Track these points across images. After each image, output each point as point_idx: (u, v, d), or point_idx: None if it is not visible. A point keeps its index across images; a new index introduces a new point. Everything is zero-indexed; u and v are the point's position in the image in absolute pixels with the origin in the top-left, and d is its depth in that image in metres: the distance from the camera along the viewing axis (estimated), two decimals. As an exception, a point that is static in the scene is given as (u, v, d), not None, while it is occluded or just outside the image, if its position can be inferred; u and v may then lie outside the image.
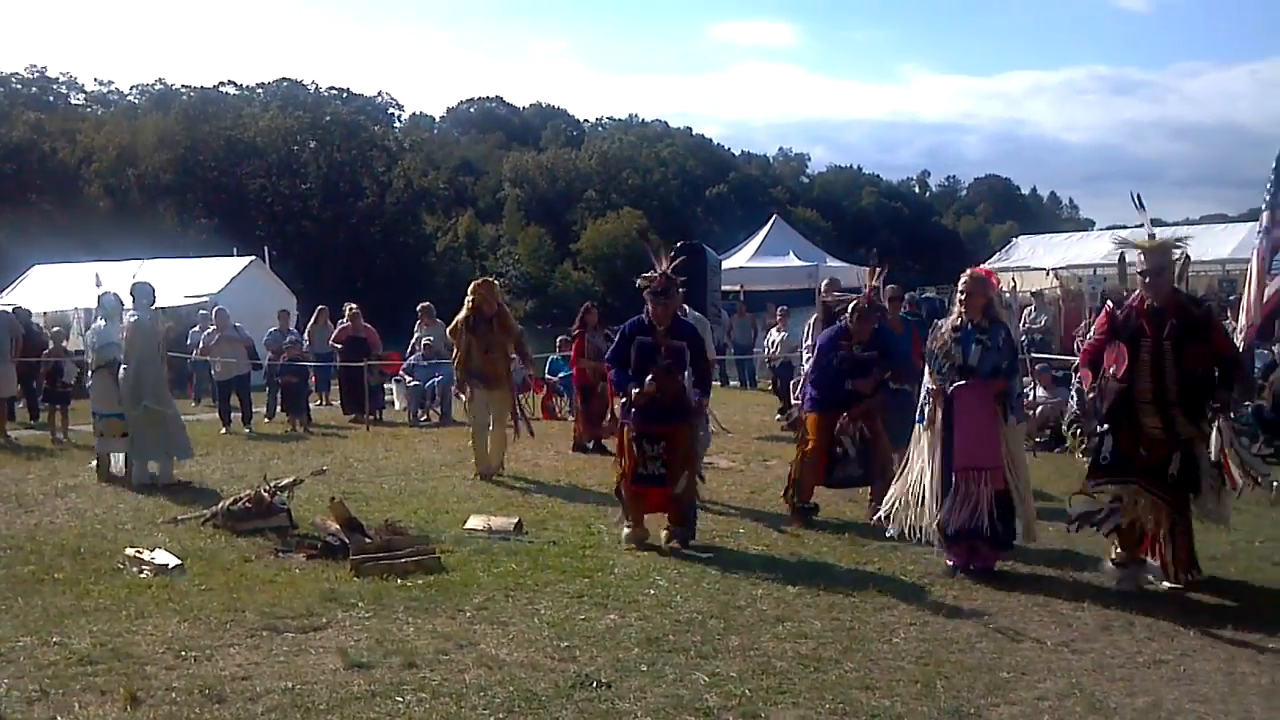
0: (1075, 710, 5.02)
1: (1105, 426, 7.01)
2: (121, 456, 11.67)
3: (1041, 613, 6.50)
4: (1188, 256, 7.43)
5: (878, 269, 9.88)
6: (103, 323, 11.92)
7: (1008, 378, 7.47)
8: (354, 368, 17.67)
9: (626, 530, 8.38)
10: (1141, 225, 7.46)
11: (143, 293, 11.60)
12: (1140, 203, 7.44)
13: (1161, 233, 7.28)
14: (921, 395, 7.67)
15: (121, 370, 11.40)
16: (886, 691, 5.24)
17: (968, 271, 7.72)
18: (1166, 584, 6.98)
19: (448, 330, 12.08)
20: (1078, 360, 7.47)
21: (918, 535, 7.43)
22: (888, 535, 7.71)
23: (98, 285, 12.34)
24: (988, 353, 7.36)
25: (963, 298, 7.51)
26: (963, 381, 7.34)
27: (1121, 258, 8.05)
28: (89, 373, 12.21)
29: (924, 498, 7.42)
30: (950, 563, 7.43)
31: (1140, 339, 6.86)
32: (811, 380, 9.47)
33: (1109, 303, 7.24)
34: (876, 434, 9.03)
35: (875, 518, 7.88)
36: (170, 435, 11.50)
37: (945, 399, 7.38)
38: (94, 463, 11.87)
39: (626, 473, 8.39)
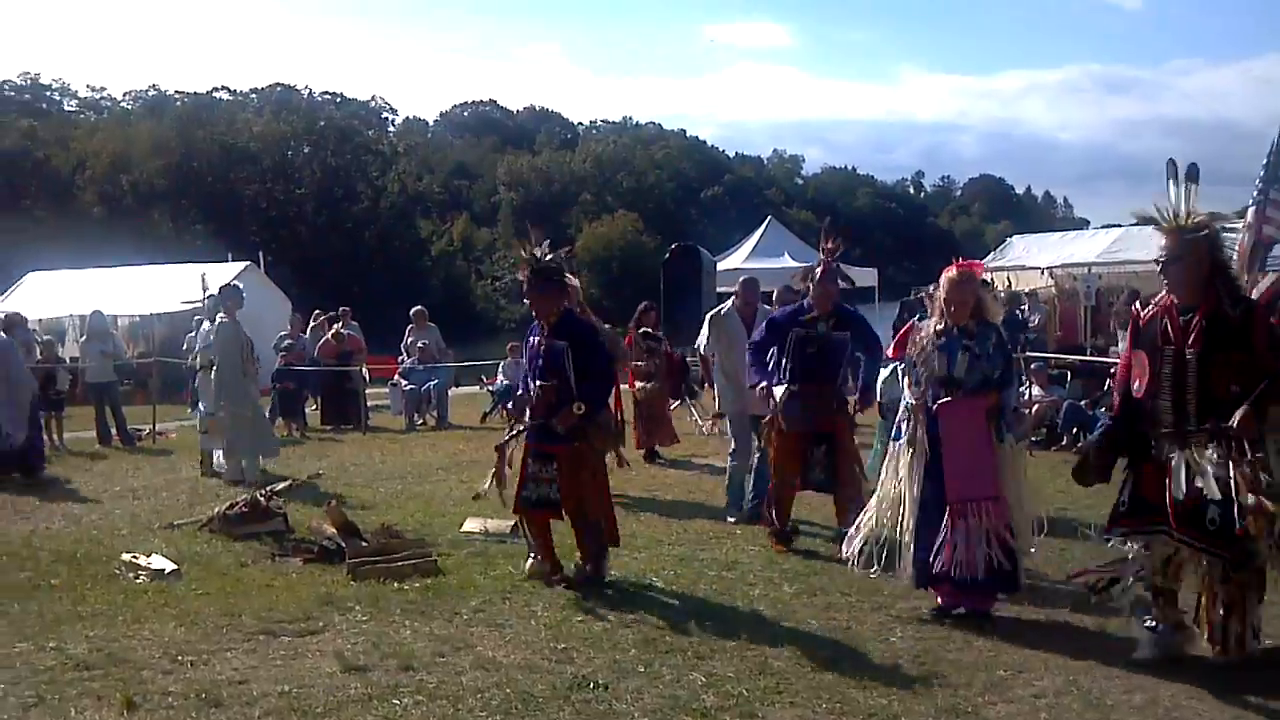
0: (1073, 707, 5.02)
1: (1125, 461, 5.73)
2: (219, 453, 12.05)
3: (1037, 611, 6.49)
4: (1215, 234, 5.67)
5: (833, 236, 8.43)
6: (208, 324, 12.31)
7: (1000, 389, 6.35)
8: (337, 377, 17.66)
9: (529, 562, 7.44)
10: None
11: (228, 295, 12.02)
12: (1175, 172, 5.65)
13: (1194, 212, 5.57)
14: (900, 410, 6.63)
15: (213, 371, 11.85)
16: (884, 691, 5.24)
17: (950, 271, 6.45)
18: (1214, 653, 5.57)
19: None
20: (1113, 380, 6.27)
21: (894, 571, 6.49)
22: (850, 566, 6.70)
23: (204, 289, 12.67)
24: (975, 361, 6.28)
25: (946, 305, 6.37)
26: (947, 397, 6.30)
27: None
28: (195, 373, 12.89)
29: (902, 530, 6.45)
30: (939, 602, 6.45)
31: (1164, 347, 5.47)
32: (754, 366, 8.23)
33: (1136, 304, 5.98)
34: (840, 437, 8.19)
35: (847, 552, 6.70)
36: (252, 434, 11.84)
37: (929, 417, 6.33)
38: (199, 459, 12.44)
39: (515, 492, 7.40)
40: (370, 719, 4.95)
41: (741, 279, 10.41)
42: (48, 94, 73.26)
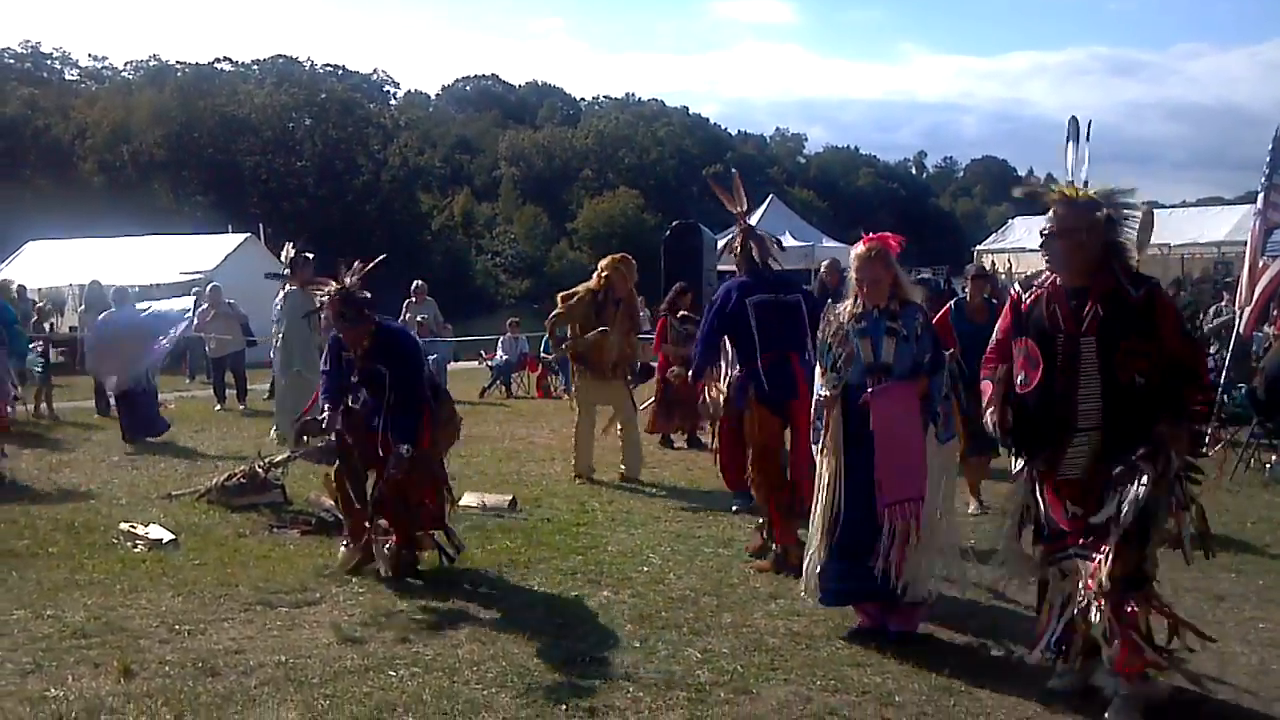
0: (1065, 687, 5.03)
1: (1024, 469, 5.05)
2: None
3: (1032, 592, 6.49)
4: (1148, 215, 5.21)
5: (729, 190, 7.89)
6: (281, 294, 12.59)
7: (930, 375, 5.64)
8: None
9: (343, 549, 7.13)
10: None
11: (299, 265, 12.17)
12: (1077, 132, 4.96)
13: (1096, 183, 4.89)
14: (813, 406, 5.90)
15: (279, 338, 12.17)
16: (878, 668, 5.26)
17: (858, 246, 5.75)
18: (1118, 687, 4.73)
19: (562, 296, 10.70)
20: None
21: (805, 585, 5.84)
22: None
23: (284, 259, 12.84)
24: (904, 344, 5.58)
25: (858, 284, 5.69)
26: (877, 385, 5.58)
27: (1147, 217, 5.28)
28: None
29: (817, 540, 5.73)
30: (861, 624, 5.81)
31: (1054, 335, 4.80)
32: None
33: (1015, 287, 5.39)
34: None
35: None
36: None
37: (851, 410, 5.66)
38: (273, 431, 12.40)
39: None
40: (366, 689, 4.97)
41: None
42: (48, 62, 72.90)
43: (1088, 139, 4.94)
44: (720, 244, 7.29)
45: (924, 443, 5.61)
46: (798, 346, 7.14)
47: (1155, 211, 5.12)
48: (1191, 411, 4.72)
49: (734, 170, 8.70)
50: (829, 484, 5.70)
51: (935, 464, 5.66)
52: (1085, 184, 4.84)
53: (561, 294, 10.80)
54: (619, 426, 10.63)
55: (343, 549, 7.16)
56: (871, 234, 5.82)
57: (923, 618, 5.78)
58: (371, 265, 6.98)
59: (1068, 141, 4.98)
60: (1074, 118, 5.01)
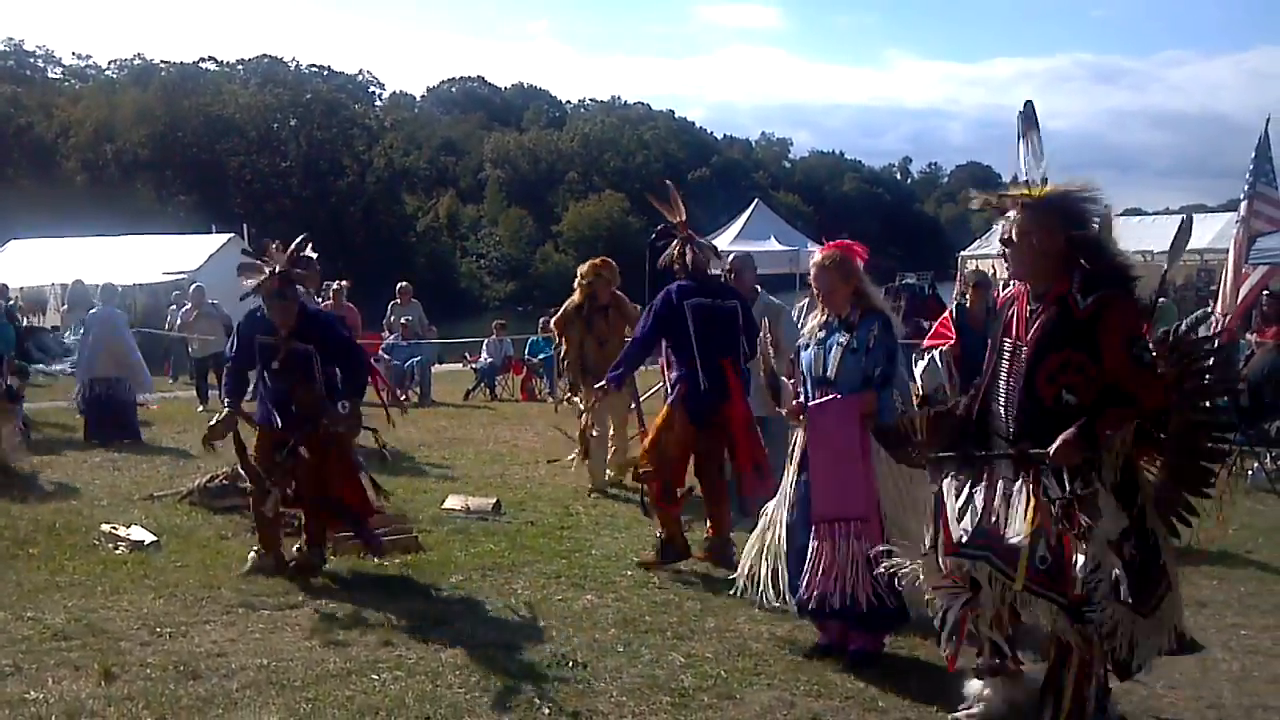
0: (1048, 694, 5.03)
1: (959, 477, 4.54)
2: None
3: (1016, 597, 6.50)
4: (1187, 222, 5.04)
5: (666, 201, 8.00)
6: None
7: (878, 390, 5.40)
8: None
9: (251, 555, 7.04)
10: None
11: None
12: (1032, 120, 4.57)
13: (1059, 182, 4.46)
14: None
15: None
16: (862, 674, 5.25)
17: (817, 256, 5.58)
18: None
19: (553, 320, 10.57)
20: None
21: (771, 596, 5.61)
22: (733, 591, 5.91)
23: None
24: (852, 357, 5.38)
25: (816, 294, 5.58)
26: (820, 399, 5.46)
27: (1182, 225, 5.13)
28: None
29: (775, 551, 5.59)
30: (820, 640, 5.61)
31: (1003, 340, 4.45)
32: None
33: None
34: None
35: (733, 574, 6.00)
36: None
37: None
38: None
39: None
40: (349, 693, 4.95)
41: (734, 259, 9.18)
42: (32, 60, 72.60)
43: (1038, 131, 4.61)
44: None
45: (868, 461, 5.33)
46: (732, 352, 7.18)
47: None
48: (1110, 430, 4.13)
49: (668, 181, 8.68)
50: (787, 497, 5.62)
51: (887, 483, 5.34)
52: (1040, 182, 4.47)
53: (553, 321, 10.60)
54: (610, 430, 10.50)
55: (252, 555, 7.03)
56: (830, 242, 5.66)
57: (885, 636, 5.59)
58: (298, 243, 7.18)
59: (1019, 139, 4.68)
60: (1028, 102, 4.78)
